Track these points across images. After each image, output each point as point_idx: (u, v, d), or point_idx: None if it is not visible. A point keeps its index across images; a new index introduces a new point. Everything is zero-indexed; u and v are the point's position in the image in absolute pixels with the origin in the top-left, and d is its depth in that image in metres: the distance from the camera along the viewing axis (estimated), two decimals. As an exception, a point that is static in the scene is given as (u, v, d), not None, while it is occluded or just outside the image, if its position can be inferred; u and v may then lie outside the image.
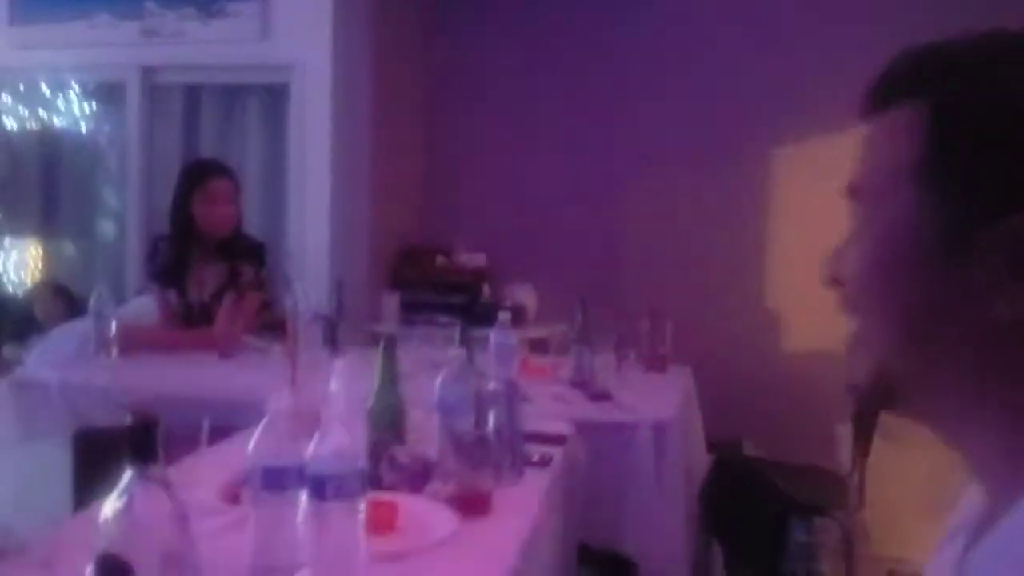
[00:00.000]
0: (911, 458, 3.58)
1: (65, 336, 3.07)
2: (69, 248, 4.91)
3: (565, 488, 1.89)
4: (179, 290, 3.19)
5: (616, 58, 4.33)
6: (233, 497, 1.50)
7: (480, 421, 1.65)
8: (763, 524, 2.24)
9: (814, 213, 3.98)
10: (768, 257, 4.13)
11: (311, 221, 4.23)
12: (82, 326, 3.04)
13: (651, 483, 2.24)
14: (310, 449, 1.20)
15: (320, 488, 1.14)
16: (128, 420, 1.08)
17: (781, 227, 4.09)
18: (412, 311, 4.27)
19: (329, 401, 1.83)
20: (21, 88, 4.72)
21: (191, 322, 3.17)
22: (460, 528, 1.42)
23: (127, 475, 1.04)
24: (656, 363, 2.75)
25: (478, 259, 4.39)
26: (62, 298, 3.99)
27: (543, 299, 4.28)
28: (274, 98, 4.41)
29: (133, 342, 2.86)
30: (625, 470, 2.24)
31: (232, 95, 4.52)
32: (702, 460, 2.69)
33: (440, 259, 4.44)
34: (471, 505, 1.49)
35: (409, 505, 1.46)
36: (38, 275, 4.83)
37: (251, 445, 1.29)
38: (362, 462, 1.20)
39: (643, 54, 4.28)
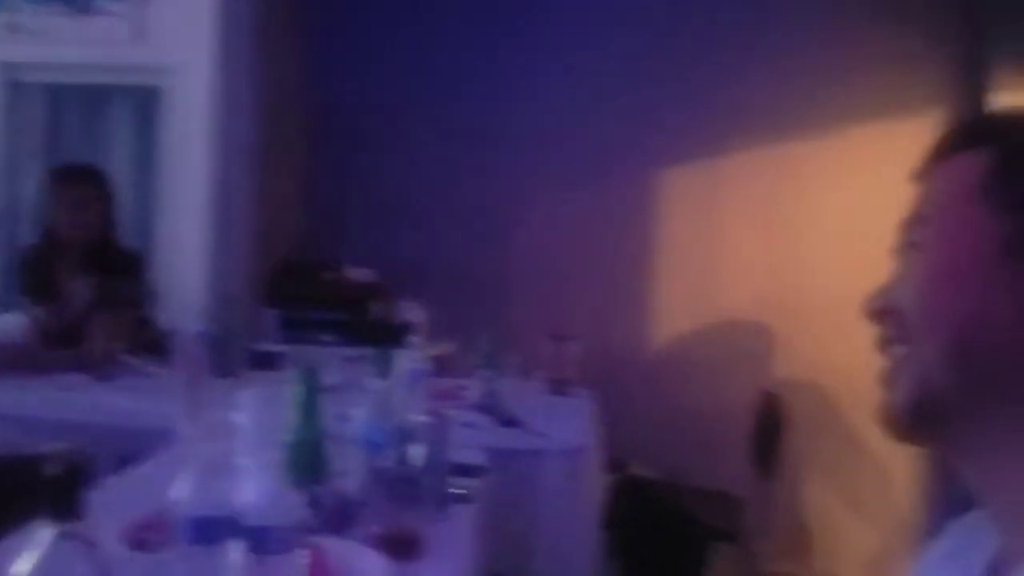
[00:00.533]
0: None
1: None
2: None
3: (483, 520, 1.84)
4: (49, 306, 2.95)
5: (507, 69, 4.29)
6: (139, 542, 1.37)
7: (405, 456, 1.58)
8: (671, 549, 2.24)
9: (709, 233, 4.13)
10: (664, 278, 4.16)
11: (186, 231, 4.01)
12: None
13: (562, 509, 2.21)
14: (241, 495, 1.10)
15: (260, 541, 1.05)
16: (47, 467, 0.96)
17: (677, 247, 4.14)
18: (293, 328, 4.11)
19: (236, 435, 1.72)
20: None
21: (62, 340, 2.93)
22: (392, 573, 1.34)
23: (44, 531, 0.93)
24: (560, 386, 2.73)
25: (366, 275, 4.26)
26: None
27: (432, 317, 4.21)
28: (146, 101, 4.18)
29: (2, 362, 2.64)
30: (536, 497, 2.20)
31: (101, 96, 4.25)
32: (601, 482, 2.68)
33: (326, 274, 4.29)
34: (401, 547, 1.42)
35: (337, 550, 1.37)
36: None
37: (173, 488, 1.18)
38: (301, 511, 1.11)
39: (534, 69, 4.27)
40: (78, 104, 4.27)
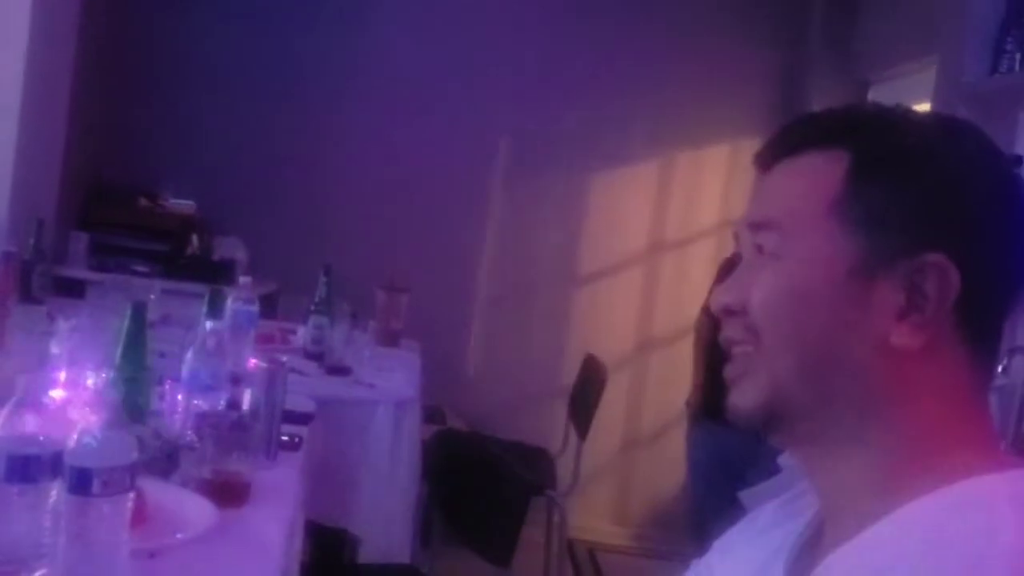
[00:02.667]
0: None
1: None
2: None
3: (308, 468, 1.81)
4: None
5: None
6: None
7: (236, 401, 1.52)
8: (487, 501, 2.29)
9: (538, 198, 4.19)
10: (494, 235, 4.18)
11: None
12: None
13: (385, 460, 2.21)
14: (70, 436, 1.03)
15: (84, 483, 0.98)
16: None
17: (511, 203, 4.17)
18: (104, 255, 3.86)
19: (55, 367, 1.61)
20: None
21: None
22: (219, 518, 1.30)
23: None
24: (390, 337, 2.71)
25: (186, 206, 4.04)
26: None
27: (253, 256, 4.06)
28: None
29: None
30: (361, 446, 2.19)
31: None
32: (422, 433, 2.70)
33: (143, 201, 4.04)
34: (228, 493, 1.37)
35: (159, 494, 1.31)
36: None
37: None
38: (134, 452, 1.05)
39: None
40: None
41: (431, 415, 3.21)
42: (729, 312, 0.74)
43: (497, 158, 4.18)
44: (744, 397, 0.73)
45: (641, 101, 4.12)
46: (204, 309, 1.68)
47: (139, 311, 1.44)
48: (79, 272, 3.74)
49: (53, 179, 3.77)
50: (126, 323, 1.44)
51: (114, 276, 3.76)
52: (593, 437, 3.21)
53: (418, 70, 4.09)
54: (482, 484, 2.36)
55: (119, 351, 1.43)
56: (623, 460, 4.16)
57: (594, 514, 4.05)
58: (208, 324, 1.56)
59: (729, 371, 0.75)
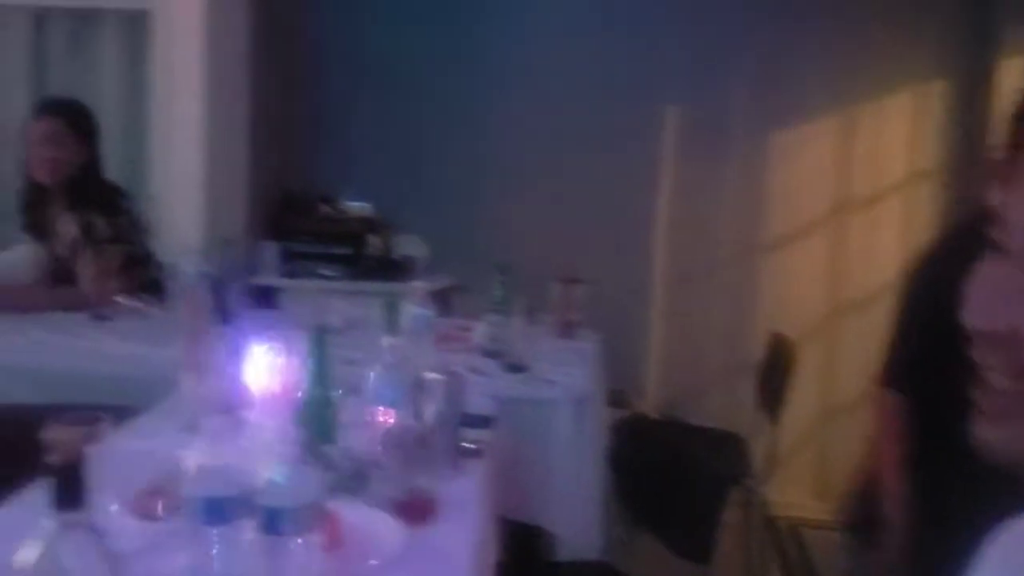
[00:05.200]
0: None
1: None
2: None
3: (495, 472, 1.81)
4: (44, 243, 2.89)
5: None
6: (147, 510, 1.33)
7: (419, 414, 1.53)
8: (678, 491, 2.22)
9: (712, 180, 4.04)
10: (671, 219, 4.08)
11: (179, 162, 3.90)
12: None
13: (569, 458, 2.18)
14: (253, 468, 1.05)
15: (275, 523, 1.00)
16: (52, 457, 0.91)
17: (683, 176, 4.05)
18: (293, 262, 4.05)
19: (248, 392, 1.67)
20: None
21: (58, 278, 2.87)
22: (409, 538, 1.31)
23: (49, 524, 0.88)
24: (567, 329, 2.68)
25: (364, 208, 4.18)
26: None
27: (432, 253, 4.14)
28: (133, 25, 4.03)
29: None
30: (544, 444, 2.17)
31: (85, 20, 4.09)
32: (606, 422, 2.65)
33: (324, 208, 4.20)
34: (416, 511, 1.38)
35: (351, 515, 1.33)
36: None
37: (179, 452, 1.13)
38: (318, 488, 1.07)
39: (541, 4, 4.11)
40: (64, 28, 4.11)
41: (616, 399, 3.16)
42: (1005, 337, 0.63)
43: (664, 130, 4.05)
44: (1009, 441, 0.63)
45: (816, 53, 3.88)
46: (382, 321, 1.70)
47: (321, 335, 1.47)
48: (271, 280, 3.94)
49: (240, 196, 3.98)
50: (310, 348, 1.48)
51: (303, 282, 3.96)
52: (787, 411, 3.07)
53: (577, 51, 4.02)
54: (674, 477, 2.29)
55: (306, 376, 1.47)
56: (820, 432, 3.97)
57: (794, 489, 3.88)
58: (387, 339, 1.57)
59: (985, 401, 0.65)
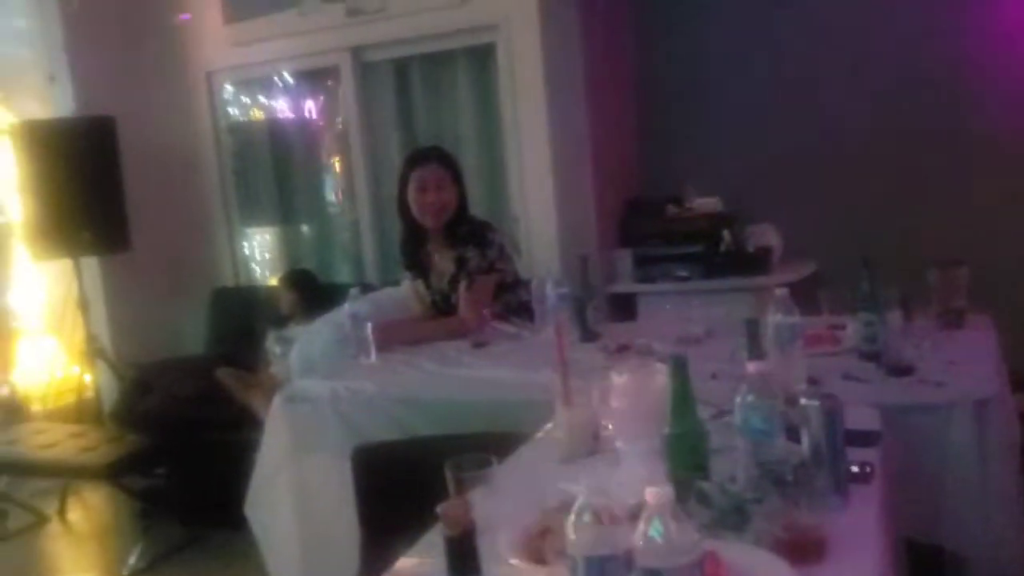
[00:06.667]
0: None
1: (316, 337, 3.12)
2: (304, 231, 5.09)
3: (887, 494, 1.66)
4: (423, 280, 3.18)
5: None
6: (534, 553, 1.38)
7: (795, 443, 1.45)
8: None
9: None
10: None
11: (533, 181, 4.11)
12: (331, 325, 3.09)
13: (973, 468, 1.95)
14: (633, 528, 1.05)
15: (656, 583, 0.99)
16: (446, 530, 0.99)
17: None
18: (647, 267, 4.07)
19: (614, 422, 1.69)
20: (242, 81, 4.88)
21: (438, 312, 3.15)
22: (797, 582, 1.24)
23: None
24: (952, 319, 2.40)
25: (712, 203, 4.10)
26: (303, 287, 4.11)
27: (786, 240, 3.97)
28: (480, 60, 4.31)
29: (388, 338, 2.87)
30: (941, 455, 1.96)
31: (438, 63, 4.45)
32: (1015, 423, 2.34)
33: (670, 208, 4.18)
34: (803, 550, 1.30)
35: (733, 556, 1.29)
36: (279, 263, 5.04)
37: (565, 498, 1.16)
38: (696, 544, 1.04)
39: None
40: (422, 73, 4.50)
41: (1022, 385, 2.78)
42: None
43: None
44: None
45: None
46: (743, 344, 1.63)
47: (680, 366, 1.45)
48: (628, 287, 4.01)
49: (590, 210, 4.09)
50: (670, 380, 1.45)
51: (658, 286, 3.98)
52: None
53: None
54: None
55: (668, 410, 1.45)
56: None
57: None
58: (751, 364, 1.50)
59: None
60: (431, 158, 3.13)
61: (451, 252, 3.09)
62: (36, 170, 4.10)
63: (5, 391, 4.57)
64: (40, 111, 4.46)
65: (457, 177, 3.12)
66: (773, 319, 2.00)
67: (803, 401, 1.47)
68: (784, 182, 3.99)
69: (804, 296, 3.01)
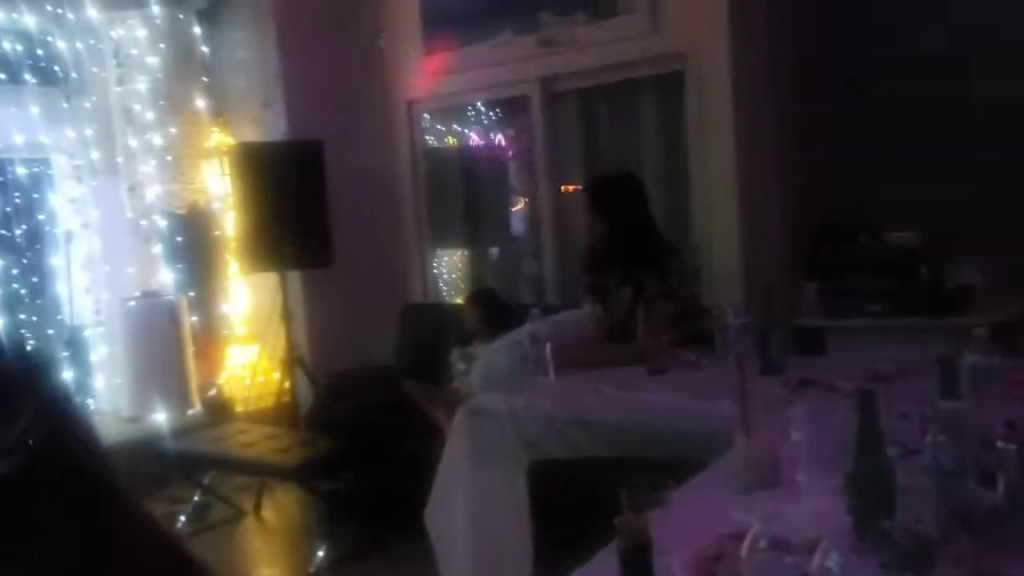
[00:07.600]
0: None
1: (500, 355, 3.22)
2: (490, 253, 5.27)
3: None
4: (603, 304, 3.22)
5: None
6: (707, 572, 1.38)
7: (988, 486, 1.38)
8: None
9: None
10: None
11: (717, 210, 4.07)
12: (513, 344, 3.17)
13: None
14: (810, 559, 1.04)
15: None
16: (617, 543, 1.01)
17: None
18: (834, 300, 3.92)
19: (793, 455, 1.67)
20: (438, 109, 5.13)
21: (616, 336, 3.17)
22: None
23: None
24: None
25: (909, 237, 3.89)
26: (487, 306, 4.22)
27: (989, 278, 3.72)
28: (666, 88, 4.32)
29: (566, 359, 2.92)
30: None
31: (625, 91, 4.50)
32: None
33: (863, 239, 4.01)
34: (995, 599, 1.24)
35: (917, 598, 1.25)
36: (465, 283, 5.23)
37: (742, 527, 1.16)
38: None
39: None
40: (607, 103, 4.57)
41: None
42: None
43: None
44: None
45: None
46: (935, 383, 1.57)
47: (868, 402, 1.41)
48: (814, 321, 3.87)
49: (776, 239, 4.01)
50: (856, 415, 1.42)
51: (847, 321, 3.82)
52: None
53: None
54: None
55: (855, 442, 1.41)
56: None
57: None
58: (944, 402, 1.45)
59: None
60: (615, 186, 3.20)
61: (631, 275, 3.13)
62: (249, 189, 4.44)
63: (214, 392, 4.97)
64: (254, 134, 4.85)
65: (642, 201, 3.17)
66: (971, 359, 1.90)
67: (1000, 444, 1.40)
68: (989, 219, 3.76)
69: (1009, 337, 2.85)
